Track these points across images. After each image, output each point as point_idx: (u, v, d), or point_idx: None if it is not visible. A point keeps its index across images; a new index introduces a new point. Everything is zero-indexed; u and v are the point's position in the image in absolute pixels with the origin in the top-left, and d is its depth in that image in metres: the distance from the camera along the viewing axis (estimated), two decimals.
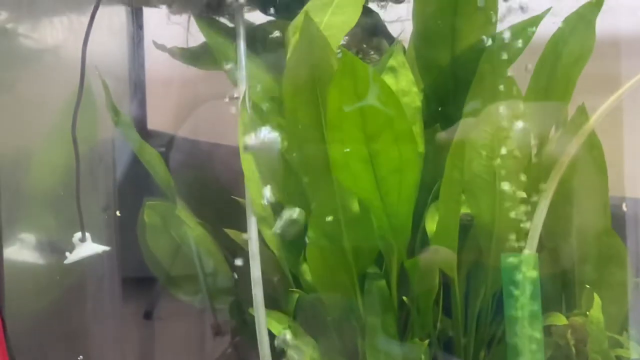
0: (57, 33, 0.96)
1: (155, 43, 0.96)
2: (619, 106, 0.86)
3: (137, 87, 1.09)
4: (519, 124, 0.81)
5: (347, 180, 0.78)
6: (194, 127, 1.12)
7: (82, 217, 0.73)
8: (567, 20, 0.83)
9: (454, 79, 0.87)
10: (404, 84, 0.84)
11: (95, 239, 0.96)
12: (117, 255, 1.05)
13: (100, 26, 1.02)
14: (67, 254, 0.74)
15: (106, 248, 0.76)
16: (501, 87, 0.80)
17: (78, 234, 0.74)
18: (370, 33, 1.01)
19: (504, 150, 0.81)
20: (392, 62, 0.84)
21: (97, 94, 0.91)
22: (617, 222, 0.90)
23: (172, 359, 1.08)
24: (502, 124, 0.80)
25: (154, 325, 1.09)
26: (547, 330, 0.88)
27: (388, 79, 0.84)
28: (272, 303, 0.85)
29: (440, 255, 0.81)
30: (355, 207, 0.81)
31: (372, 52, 1.03)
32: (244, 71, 0.87)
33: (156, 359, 1.11)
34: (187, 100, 1.12)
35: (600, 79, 0.86)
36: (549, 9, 0.84)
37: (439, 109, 0.88)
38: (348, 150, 0.76)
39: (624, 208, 0.87)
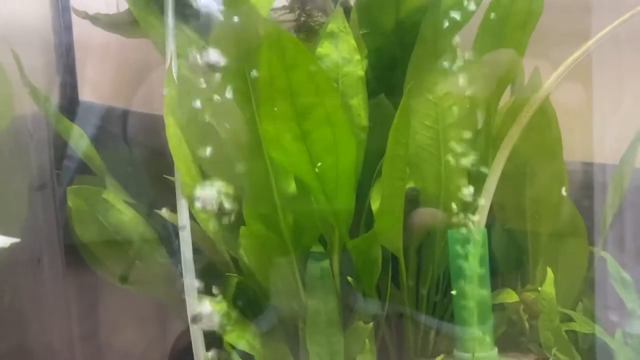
0: None
1: (75, 10, 0.87)
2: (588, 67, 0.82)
3: (65, 54, 1.00)
4: (464, 91, 0.76)
5: (281, 158, 0.73)
6: (134, 97, 1.05)
7: None
8: None
9: (399, 44, 0.81)
10: (345, 51, 0.77)
11: (30, 219, 0.89)
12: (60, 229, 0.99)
13: None
14: None
15: (15, 240, 0.69)
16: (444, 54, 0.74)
17: None
18: None
19: (448, 120, 0.76)
20: (331, 27, 0.78)
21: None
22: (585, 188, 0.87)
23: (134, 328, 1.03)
24: (446, 93, 0.75)
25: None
26: (501, 307, 0.85)
27: (327, 46, 0.77)
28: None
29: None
30: (291, 187, 0.75)
31: (317, 14, 0.96)
32: (172, 41, 0.79)
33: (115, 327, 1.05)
34: (124, 67, 1.04)
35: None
36: None
37: (385, 78, 0.82)
38: (280, 126, 0.70)
39: (563, 193, 0.83)
